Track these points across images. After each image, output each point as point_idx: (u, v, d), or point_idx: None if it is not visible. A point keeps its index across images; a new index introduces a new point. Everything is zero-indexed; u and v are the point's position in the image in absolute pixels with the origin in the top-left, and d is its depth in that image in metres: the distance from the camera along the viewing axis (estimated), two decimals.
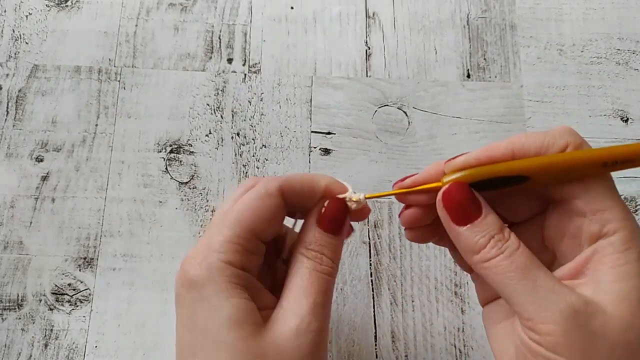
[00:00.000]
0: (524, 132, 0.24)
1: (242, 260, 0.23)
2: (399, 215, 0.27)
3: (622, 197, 0.39)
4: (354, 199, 0.26)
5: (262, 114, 0.41)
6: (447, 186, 0.23)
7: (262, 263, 0.26)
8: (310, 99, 0.42)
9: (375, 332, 0.37)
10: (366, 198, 0.26)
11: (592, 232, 0.22)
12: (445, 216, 0.23)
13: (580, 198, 0.22)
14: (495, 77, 0.42)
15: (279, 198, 0.25)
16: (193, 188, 0.40)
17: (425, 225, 0.27)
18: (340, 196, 0.26)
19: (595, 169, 0.22)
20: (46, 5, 0.44)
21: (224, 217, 0.24)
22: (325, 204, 0.26)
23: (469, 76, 0.42)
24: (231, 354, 0.22)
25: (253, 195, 0.24)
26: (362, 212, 0.27)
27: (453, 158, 0.24)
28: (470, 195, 0.23)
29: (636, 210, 0.40)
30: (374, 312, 0.37)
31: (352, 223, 0.28)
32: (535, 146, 0.22)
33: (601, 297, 0.21)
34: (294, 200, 0.26)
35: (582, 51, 0.43)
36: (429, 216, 0.26)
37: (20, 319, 0.37)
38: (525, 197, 0.25)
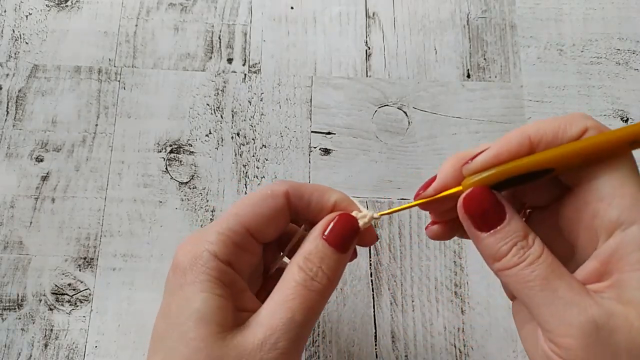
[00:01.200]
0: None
1: (230, 255, 0.23)
2: (426, 229, 0.26)
3: None
4: (365, 218, 0.25)
5: (262, 114, 0.41)
6: (468, 192, 0.22)
7: (256, 264, 0.25)
8: (310, 99, 0.42)
9: (375, 332, 0.37)
10: (380, 215, 0.25)
11: (609, 220, 0.20)
12: (468, 222, 0.22)
13: (598, 179, 0.21)
14: (495, 77, 0.42)
15: (283, 200, 0.24)
16: (193, 188, 0.40)
17: (447, 222, 0.26)
18: (353, 213, 0.25)
19: (623, 150, 0.21)
20: (46, 5, 0.44)
21: (226, 211, 0.24)
22: (336, 217, 0.24)
23: (469, 76, 0.42)
24: (190, 350, 0.21)
25: (257, 193, 0.24)
26: (369, 236, 0.26)
27: (471, 159, 0.22)
28: (493, 199, 0.22)
29: None
30: (374, 312, 0.37)
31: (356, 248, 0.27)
32: (552, 130, 0.21)
33: (625, 306, 0.19)
34: (301, 207, 0.25)
35: (582, 51, 0.43)
36: (452, 217, 0.25)
37: (20, 319, 0.37)
38: (543, 183, 0.23)
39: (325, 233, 0.24)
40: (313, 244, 0.24)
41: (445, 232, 0.26)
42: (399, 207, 0.26)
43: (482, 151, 0.22)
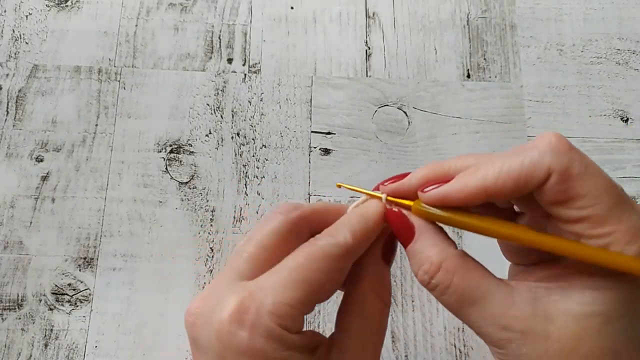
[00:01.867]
0: (506, 152, 0.21)
1: (299, 326, 0.21)
2: None
3: None
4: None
5: (262, 114, 0.41)
6: (387, 210, 0.23)
7: None
8: (310, 99, 0.42)
9: None
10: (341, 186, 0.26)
11: None
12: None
13: (578, 223, 0.20)
14: (495, 77, 0.42)
15: (350, 257, 0.23)
16: (193, 188, 0.40)
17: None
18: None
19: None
20: (46, 5, 0.44)
21: (278, 269, 0.21)
22: (386, 236, 0.25)
23: (469, 76, 0.42)
24: None
25: (321, 248, 0.21)
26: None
27: (432, 188, 0.22)
28: (404, 221, 0.23)
29: None
30: None
31: None
32: (512, 180, 0.20)
33: (556, 315, 0.20)
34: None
35: (582, 51, 0.43)
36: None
37: (20, 319, 0.37)
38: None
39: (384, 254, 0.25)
40: (379, 268, 0.24)
41: None
42: (364, 191, 0.25)
43: (444, 182, 0.22)
